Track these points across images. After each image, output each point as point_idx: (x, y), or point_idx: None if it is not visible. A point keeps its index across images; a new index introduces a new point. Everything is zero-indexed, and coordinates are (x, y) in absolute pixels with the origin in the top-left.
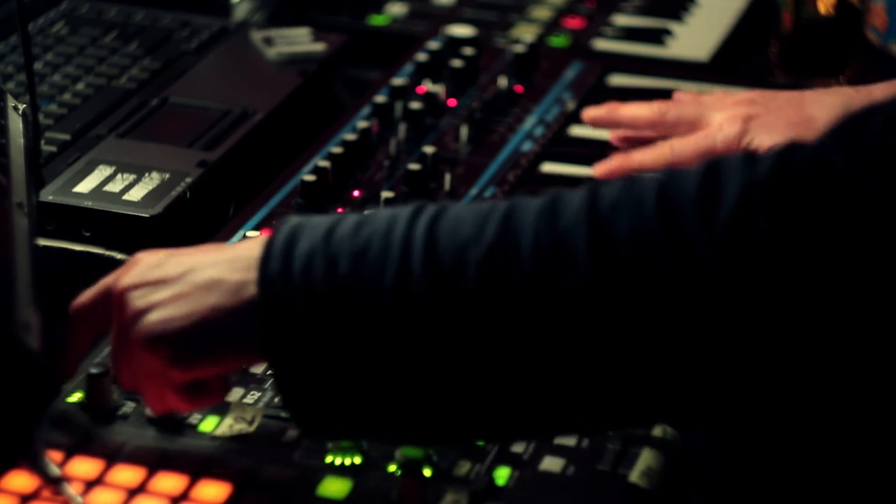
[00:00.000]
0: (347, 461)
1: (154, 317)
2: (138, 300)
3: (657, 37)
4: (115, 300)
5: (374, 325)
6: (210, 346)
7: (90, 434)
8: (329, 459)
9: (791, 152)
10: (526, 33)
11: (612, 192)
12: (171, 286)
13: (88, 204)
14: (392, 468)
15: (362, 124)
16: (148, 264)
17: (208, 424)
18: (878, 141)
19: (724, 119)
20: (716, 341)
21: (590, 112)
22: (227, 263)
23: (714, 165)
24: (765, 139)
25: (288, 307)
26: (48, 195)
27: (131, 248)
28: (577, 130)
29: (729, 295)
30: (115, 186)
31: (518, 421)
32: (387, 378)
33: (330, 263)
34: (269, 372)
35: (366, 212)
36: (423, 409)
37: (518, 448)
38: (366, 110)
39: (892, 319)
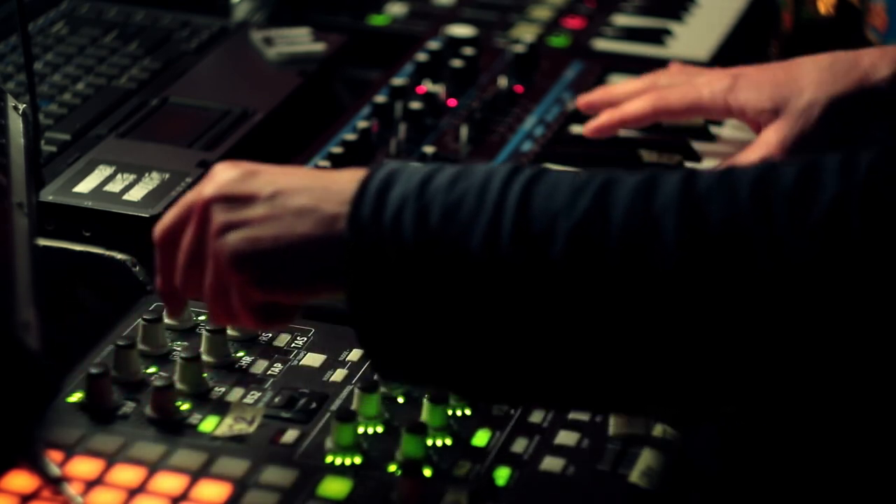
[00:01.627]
0: (347, 461)
1: (242, 234)
2: (227, 213)
3: (657, 37)
4: (198, 209)
5: (457, 280)
6: (295, 272)
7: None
8: (329, 459)
9: (891, 158)
10: (526, 33)
11: (708, 178)
12: (262, 205)
13: (88, 204)
14: (392, 468)
15: (362, 124)
16: (235, 177)
17: (208, 424)
18: None
19: (714, 76)
20: (797, 333)
21: (584, 98)
22: (322, 192)
23: (812, 162)
24: (751, 96)
25: (375, 252)
26: (48, 195)
27: (131, 248)
28: (577, 130)
29: (810, 291)
30: (115, 186)
31: (585, 390)
32: (464, 332)
33: (421, 213)
34: (276, 366)
35: (464, 166)
36: (495, 366)
37: (518, 448)
38: (366, 110)
39: None
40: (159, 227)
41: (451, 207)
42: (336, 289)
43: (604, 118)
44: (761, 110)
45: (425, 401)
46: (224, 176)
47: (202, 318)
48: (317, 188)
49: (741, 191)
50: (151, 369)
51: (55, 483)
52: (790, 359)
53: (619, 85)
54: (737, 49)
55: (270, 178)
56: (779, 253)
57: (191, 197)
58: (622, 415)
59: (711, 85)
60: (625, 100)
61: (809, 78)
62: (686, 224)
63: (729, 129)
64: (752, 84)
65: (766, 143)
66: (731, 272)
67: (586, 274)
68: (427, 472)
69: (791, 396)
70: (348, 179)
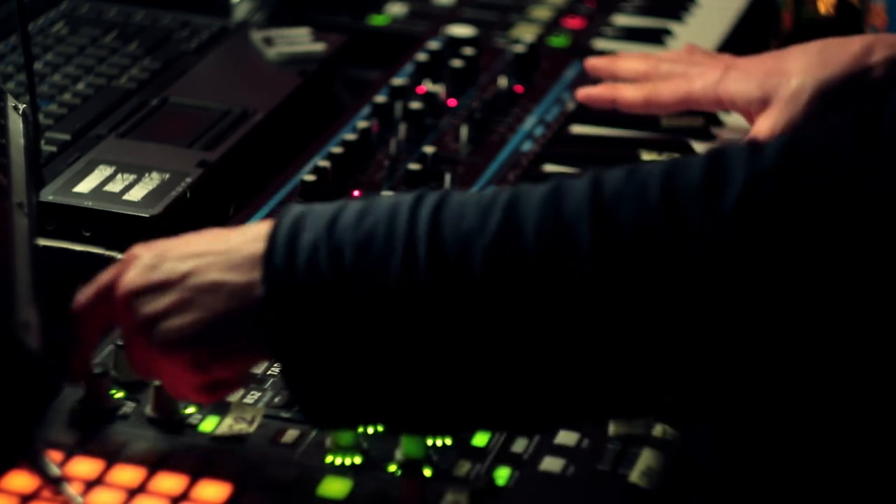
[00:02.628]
0: (347, 461)
1: (165, 325)
2: (145, 307)
3: (657, 37)
4: (119, 304)
5: (380, 315)
6: (223, 349)
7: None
8: (329, 459)
9: (797, 142)
10: (526, 33)
11: (616, 180)
12: (175, 291)
13: (88, 204)
14: (392, 468)
15: (362, 124)
16: (145, 265)
17: (208, 424)
18: (890, 140)
19: (706, 67)
20: (716, 330)
21: (591, 61)
22: (227, 262)
23: (718, 153)
24: (741, 86)
25: (295, 301)
26: (48, 195)
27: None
28: (577, 130)
29: (731, 283)
30: (115, 186)
31: (521, 410)
32: (393, 367)
33: (334, 255)
34: (276, 367)
35: (367, 198)
36: (428, 398)
37: (518, 448)
38: (366, 110)
39: (892, 316)
40: (76, 305)
41: (363, 243)
42: (267, 353)
43: (599, 90)
44: (750, 100)
45: None
46: (136, 266)
47: None
48: (222, 261)
49: (650, 189)
50: None
51: (55, 483)
52: (707, 361)
53: (625, 59)
54: (737, 49)
55: (178, 255)
56: (690, 255)
57: (107, 280)
58: (562, 428)
59: (704, 77)
60: (625, 77)
61: (798, 64)
62: (599, 230)
63: (728, 131)
64: (742, 74)
65: (757, 133)
66: (644, 279)
67: (506, 292)
68: (427, 472)
69: (714, 399)
70: (252, 239)
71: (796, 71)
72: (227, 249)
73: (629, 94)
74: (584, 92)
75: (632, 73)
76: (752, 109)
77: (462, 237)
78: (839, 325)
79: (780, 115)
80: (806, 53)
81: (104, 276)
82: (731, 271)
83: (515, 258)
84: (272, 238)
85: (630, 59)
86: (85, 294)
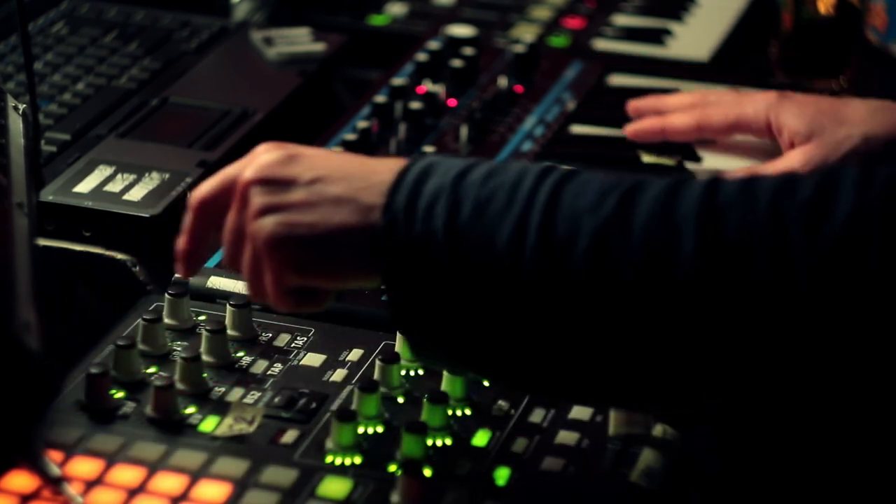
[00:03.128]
0: (347, 461)
1: (281, 218)
2: (266, 196)
3: (657, 37)
4: (239, 189)
5: (484, 274)
6: (330, 259)
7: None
8: (329, 459)
9: None
10: (526, 33)
11: (731, 187)
12: (301, 190)
13: (88, 204)
14: (392, 468)
15: (362, 124)
16: (276, 159)
17: (208, 424)
18: None
19: (760, 95)
20: (796, 351)
21: (634, 103)
22: (361, 181)
23: (832, 174)
24: (791, 118)
25: (408, 241)
26: (48, 195)
27: (131, 249)
28: (577, 130)
29: (818, 313)
30: (115, 186)
31: (599, 385)
32: (488, 324)
33: (453, 207)
34: (276, 367)
35: (500, 162)
36: (516, 356)
37: (518, 448)
38: (366, 110)
39: None
40: (196, 195)
41: (482, 203)
42: (369, 277)
43: (647, 123)
44: (797, 132)
45: (425, 401)
46: (266, 158)
47: (202, 318)
48: (356, 177)
49: (760, 200)
50: (151, 369)
51: (55, 483)
52: (797, 365)
53: (670, 96)
54: (737, 49)
55: (311, 163)
56: (784, 278)
57: (232, 172)
58: (633, 410)
59: (755, 103)
60: (672, 110)
61: (854, 114)
62: (704, 233)
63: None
64: (797, 106)
65: (788, 161)
66: (745, 283)
67: (604, 277)
68: (427, 472)
69: (795, 399)
70: (388, 169)
71: (849, 119)
72: (360, 170)
73: (679, 120)
74: (633, 128)
75: (679, 106)
76: (796, 141)
77: (576, 214)
78: None
79: (817, 154)
80: (865, 108)
81: (229, 169)
82: (821, 303)
83: (620, 245)
84: (402, 174)
85: (675, 96)
86: (207, 184)
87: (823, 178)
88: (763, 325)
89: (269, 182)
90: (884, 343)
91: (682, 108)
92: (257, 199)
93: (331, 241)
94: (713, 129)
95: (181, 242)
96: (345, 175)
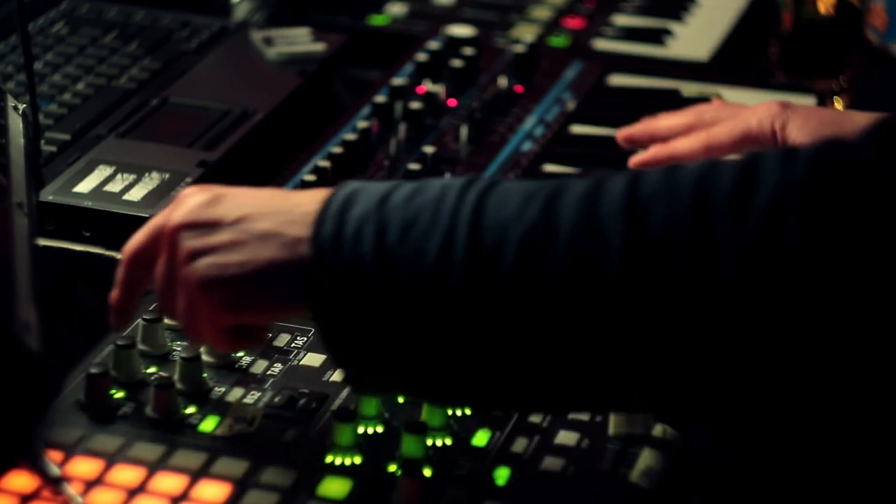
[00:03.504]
0: (347, 461)
1: (209, 260)
2: (193, 240)
3: (657, 37)
4: (166, 235)
5: (415, 294)
6: (261, 295)
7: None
8: (329, 459)
9: (830, 152)
10: (526, 33)
11: (653, 181)
12: (228, 231)
13: (88, 204)
14: (392, 468)
15: (362, 124)
16: (201, 202)
17: (208, 424)
18: None
19: (762, 106)
20: (730, 341)
21: (624, 132)
22: (285, 216)
23: (753, 159)
24: (794, 131)
25: (337, 270)
26: (48, 195)
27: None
28: (577, 130)
29: (748, 297)
30: (115, 186)
31: (535, 394)
32: (423, 342)
33: (380, 230)
34: (276, 366)
35: (421, 181)
36: (454, 373)
37: (518, 448)
38: (366, 110)
39: None
40: (128, 247)
41: (408, 223)
42: (302, 308)
43: (652, 154)
44: (800, 144)
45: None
46: (191, 202)
47: None
48: (280, 211)
49: (683, 191)
50: (151, 369)
51: (55, 483)
52: (718, 369)
53: (663, 119)
54: (737, 49)
55: (235, 202)
56: (710, 265)
57: (159, 221)
58: (570, 412)
59: (758, 114)
60: (669, 135)
61: (856, 127)
62: (629, 231)
63: None
64: (800, 117)
65: None
66: (665, 284)
67: (535, 284)
68: (427, 472)
69: (720, 406)
70: (311, 201)
71: (852, 132)
72: (284, 205)
73: (686, 145)
74: (637, 159)
75: (675, 130)
76: None
77: (501, 224)
78: (850, 344)
79: None
80: (866, 119)
81: (155, 218)
82: (748, 287)
83: (547, 251)
84: (326, 205)
85: (668, 118)
86: (136, 236)
87: (745, 162)
88: (695, 316)
89: (195, 226)
90: (814, 324)
91: (680, 131)
92: (185, 243)
93: (261, 277)
94: (722, 148)
95: (114, 296)
96: (269, 211)
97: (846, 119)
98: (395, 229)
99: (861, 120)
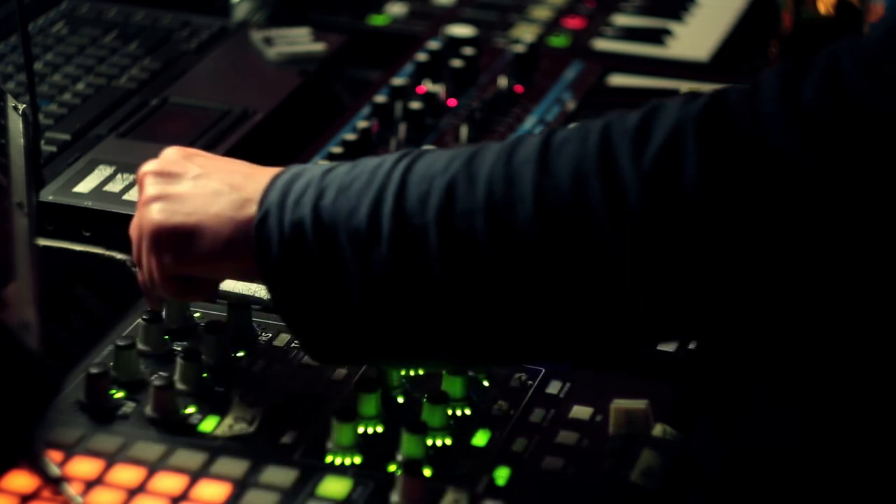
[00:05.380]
0: (347, 461)
1: (161, 206)
2: (153, 187)
3: (657, 37)
4: (138, 182)
5: (350, 250)
6: (202, 248)
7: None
8: (329, 459)
9: (727, 92)
10: (526, 33)
11: (565, 130)
12: (187, 183)
13: (88, 204)
14: (392, 468)
15: (362, 124)
16: (172, 157)
17: (208, 424)
18: (815, 100)
19: None
20: (638, 266)
21: None
22: (241, 179)
23: (656, 104)
24: None
25: (279, 233)
26: (48, 195)
27: (131, 249)
28: None
29: (652, 232)
30: (115, 186)
31: (474, 343)
32: (359, 297)
33: (319, 194)
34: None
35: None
36: (392, 325)
37: (518, 448)
38: (366, 110)
39: (798, 271)
40: None
41: (345, 187)
42: (243, 268)
43: None
44: None
45: (425, 401)
46: (165, 154)
47: (202, 316)
48: (238, 176)
49: (590, 135)
50: (151, 369)
51: (55, 483)
52: (640, 283)
53: None
54: (737, 49)
55: (202, 162)
56: (616, 203)
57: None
58: (509, 362)
59: None
60: None
61: None
62: (540, 170)
63: None
64: None
65: None
66: (574, 225)
67: (456, 228)
68: (427, 472)
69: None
70: (268, 173)
71: None
72: (242, 172)
73: None
74: None
75: None
76: None
77: (428, 177)
78: (752, 273)
79: None
80: None
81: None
82: (651, 222)
83: (467, 196)
84: (275, 177)
85: None
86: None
87: (650, 105)
88: (604, 245)
89: (160, 174)
90: (716, 241)
91: None
92: (148, 189)
93: (204, 229)
94: None
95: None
96: (228, 172)
97: None
98: (332, 192)
99: None
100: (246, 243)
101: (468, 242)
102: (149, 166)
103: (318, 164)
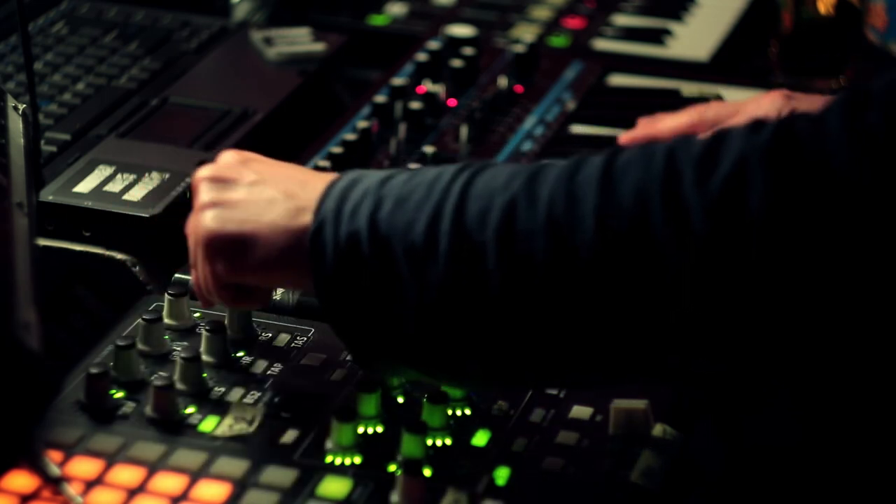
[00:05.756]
0: (347, 461)
1: (213, 213)
2: (209, 193)
3: (657, 37)
4: (193, 187)
5: (406, 264)
6: (256, 257)
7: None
8: (329, 459)
9: (794, 120)
10: (526, 33)
11: (629, 153)
12: (241, 190)
13: (88, 204)
14: (392, 468)
15: (362, 124)
16: (229, 162)
17: (208, 424)
18: (879, 126)
19: (765, 99)
20: (699, 302)
21: (627, 136)
22: (297, 187)
23: (722, 131)
24: None
25: (334, 244)
26: (48, 195)
27: (131, 248)
28: (577, 130)
29: (715, 257)
30: (115, 186)
31: (523, 360)
32: (414, 310)
33: (376, 206)
34: (276, 366)
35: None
36: (440, 341)
37: (518, 448)
38: (366, 110)
39: (872, 305)
40: None
41: (403, 199)
42: (298, 278)
43: (640, 130)
44: None
45: (425, 401)
46: (221, 159)
47: (200, 316)
48: (293, 183)
49: (655, 159)
50: (151, 369)
51: (55, 483)
52: (690, 331)
53: (664, 121)
54: (737, 49)
55: (257, 167)
56: (679, 230)
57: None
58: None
59: (762, 107)
60: (671, 137)
61: None
62: (603, 193)
63: None
64: (805, 107)
65: None
66: (636, 249)
67: (516, 248)
68: (427, 472)
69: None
70: (323, 180)
71: None
72: (298, 179)
73: (672, 123)
74: (629, 137)
75: (677, 132)
76: None
77: (487, 194)
78: (815, 308)
79: None
80: None
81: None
82: (715, 251)
83: (527, 216)
84: (331, 185)
85: (668, 120)
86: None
87: (715, 133)
88: (666, 272)
89: (215, 180)
90: (778, 278)
91: (682, 132)
92: (203, 195)
93: (258, 238)
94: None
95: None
96: (284, 179)
97: None
98: (389, 203)
99: None
100: (300, 253)
101: (527, 262)
102: (204, 171)
103: (374, 172)
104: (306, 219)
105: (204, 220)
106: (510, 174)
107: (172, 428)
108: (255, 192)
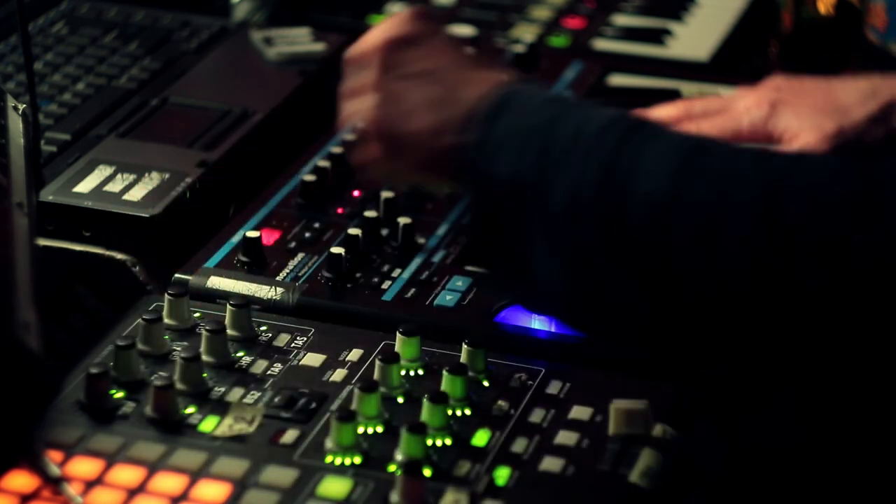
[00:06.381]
0: (347, 461)
1: (377, 101)
2: (380, 71)
3: (657, 37)
4: (376, 57)
5: (542, 219)
6: (409, 155)
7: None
8: (329, 459)
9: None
10: (526, 33)
11: (802, 178)
12: (406, 81)
13: (88, 204)
14: (392, 468)
15: None
16: (408, 33)
17: (208, 424)
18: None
19: (751, 102)
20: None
21: None
22: (464, 87)
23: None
24: (792, 123)
25: (474, 180)
26: (48, 195)
27: (131, 248)
28: None
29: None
30: (115, 186)
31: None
32: (541, 257)
33: (543, 149)
34: (276, 367)
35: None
36: (554, 287)
37: (518, 448)
38: None
39: None
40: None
41: (566, 148)
42: (446, 181)
43: None
44: (798, 135)
45: (425, 401)
46: (402, 28)
47: (200, 316)
48: (461, 82)
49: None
50: (151, 369)
51: (55, 483)
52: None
53: (653, 113)
54: (737, 49)
55: (429, 53)
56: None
57: (382, 34)
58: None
59: (750, 113)
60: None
61: (855, 106)
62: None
63: None
64: (792, 111)
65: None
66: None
67: (662, 237)
68: (427, 472)
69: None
70: (485, 81)
71: (856, 111)
72: (463, 80)
73: None
74: None
75: (665, 121)
76: (800, 137)
77: (654, 160)
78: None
79: (828, 140)
80: (858, 89)
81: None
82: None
83: (679, 222)
84: (498, 105)
85: (658, 111)
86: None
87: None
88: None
89: (391, 55)
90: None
91: (669, 124)
92: (375, 71)
93: (413, 140)
94: None
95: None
96: (453, 75)
97: (831, 96)
98: (558, 150)
99: (845, 93)
100: (449, 164)
101: (665, 254)
102: (383, 32)
103: (531, 93)
104: (463, 133)
105: (368, 103)
106: (664, 153)
107: (172, 428)
108: (420, 89)
